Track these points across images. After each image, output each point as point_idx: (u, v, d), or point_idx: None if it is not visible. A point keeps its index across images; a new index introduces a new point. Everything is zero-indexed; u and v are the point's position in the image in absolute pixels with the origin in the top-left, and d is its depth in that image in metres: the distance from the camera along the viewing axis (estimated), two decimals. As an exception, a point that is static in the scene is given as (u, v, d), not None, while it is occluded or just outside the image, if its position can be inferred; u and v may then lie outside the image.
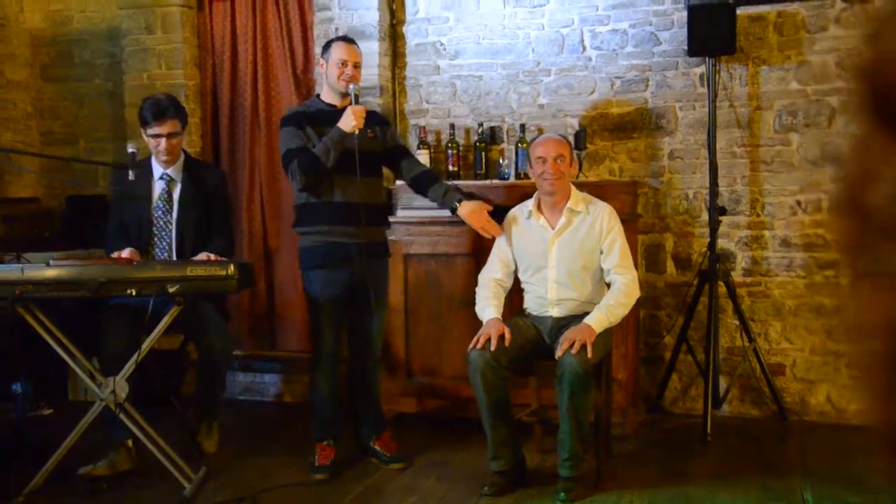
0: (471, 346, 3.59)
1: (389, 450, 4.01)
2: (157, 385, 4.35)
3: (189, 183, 4.01)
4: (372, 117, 3.93)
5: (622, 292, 3.66)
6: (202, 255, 3.77)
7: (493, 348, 3.54)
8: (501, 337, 3.56)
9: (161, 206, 3.97)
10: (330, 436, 3.95)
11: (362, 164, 3.78)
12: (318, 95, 4.03)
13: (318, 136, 3.79)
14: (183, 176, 4.01)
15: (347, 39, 3.97)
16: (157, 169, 4.00)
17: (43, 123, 5.70)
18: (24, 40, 5.70)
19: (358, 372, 4.06)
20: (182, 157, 4.04)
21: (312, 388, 4.01)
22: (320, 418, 3.98)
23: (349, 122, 3.74)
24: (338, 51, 3.86)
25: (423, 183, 4.01)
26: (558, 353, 3.48)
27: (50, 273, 3.51)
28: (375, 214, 3.98)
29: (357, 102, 3.79)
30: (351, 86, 3.80)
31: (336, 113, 3.83)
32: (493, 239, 3.89)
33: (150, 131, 3.93)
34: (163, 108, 3.92)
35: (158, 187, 3.98)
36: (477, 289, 3.87)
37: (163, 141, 3.91)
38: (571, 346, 3.44)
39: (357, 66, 3.89)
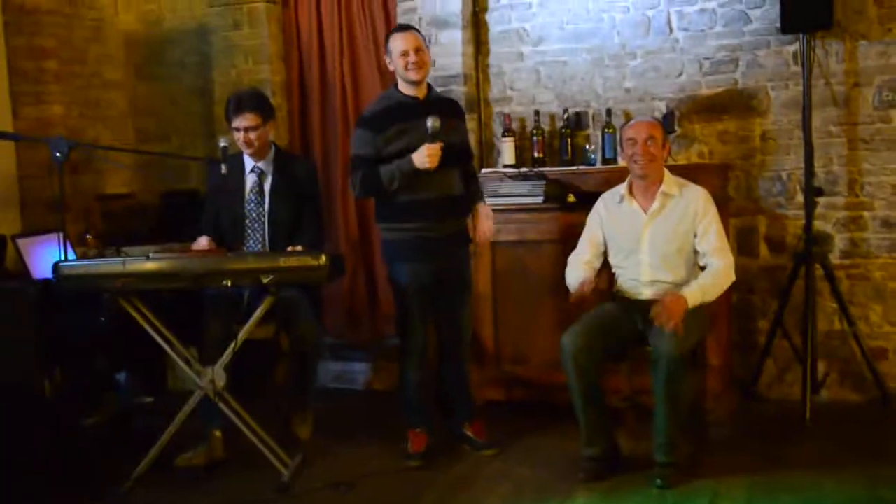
0: (572, 298, 3.62)
1: (482, 436, 4.02)
2: (251, 374, 4.43)
3: (280, 175, 4.06)
4: (450, 108, 3.93)
5: (719, 273, 3.61)
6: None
7: (586, 291, 3.58)
8: (597, 322, 3.56)
9: (253, 198, 4.03)
10: (422, 422, 3.98)
11: (442, 157, 3.77)
12: (395, 86, 3.96)
13: (398, 133, 3.78)
14: (273, 168, 4.07)
15: (402, 28, 3.94)
16: (249, 162, 4.07)
17: (138, 121, 5.86)
18: (119, 41, 5.86)
19: (449, 360, 4.07)
20: (272, 150, 4.10)
21: (401, 377, 4.03)
22: (409, 407, 4.01)
23: (423, 160, 3.72)
24: (395, 42, 3.83)
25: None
26: (652, 315, 3.44)
27: (149, 266, 3.62)
28: (455, 205, 3.98)
29: (435, 139, 3.72)
30: (429, 120, 3.70)
31: (417, 104, 3.83)
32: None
33: (231, 125, 4.01)
34: (239, 103, 4.00)
35: (250, 180, 4.05)
36: (566, 269, 3.84)
37: (241, 135, 3.98)
38: (664, 317, 3.38)
39: (419, 50, 3.82)
